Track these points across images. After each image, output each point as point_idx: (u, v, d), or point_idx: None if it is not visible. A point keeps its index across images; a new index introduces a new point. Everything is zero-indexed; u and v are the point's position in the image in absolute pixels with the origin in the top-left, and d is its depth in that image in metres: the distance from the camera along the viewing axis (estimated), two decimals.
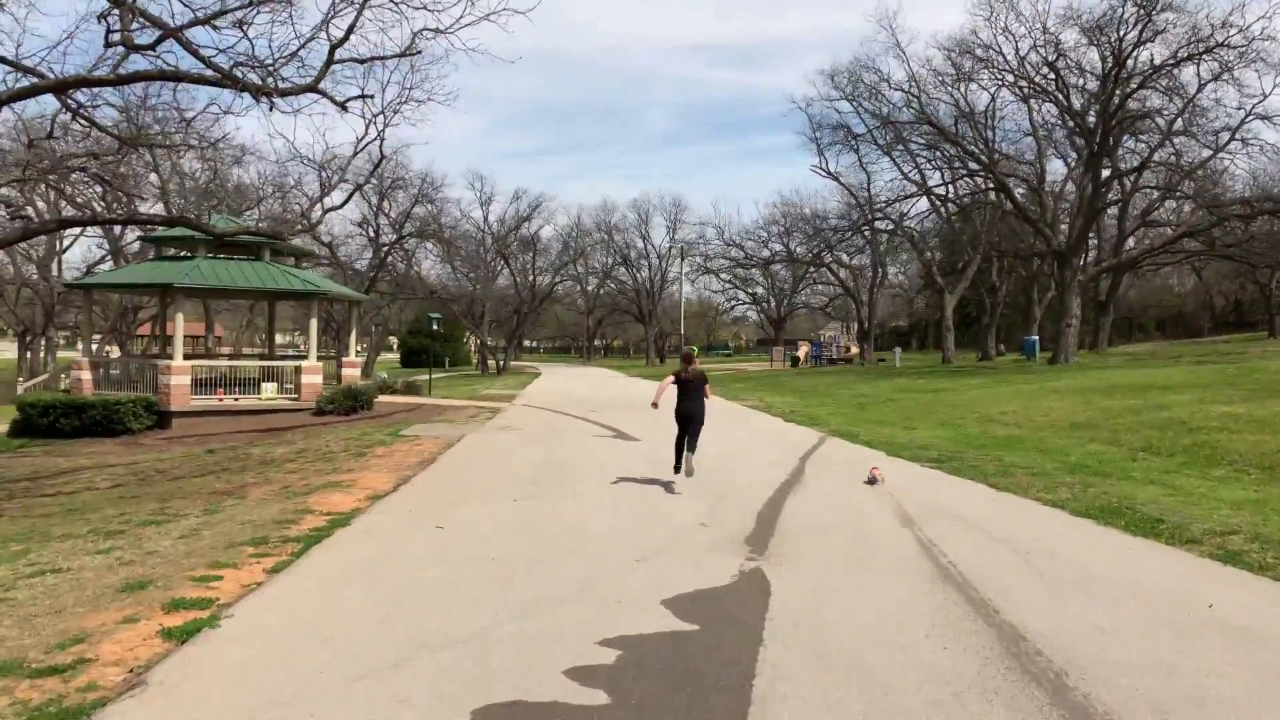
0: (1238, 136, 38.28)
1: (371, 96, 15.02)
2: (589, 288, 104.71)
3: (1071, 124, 41.64)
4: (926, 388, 31.61)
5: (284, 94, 13.79)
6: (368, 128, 43.97)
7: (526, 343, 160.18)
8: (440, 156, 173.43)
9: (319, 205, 29.62)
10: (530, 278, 74.34)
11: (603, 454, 15.34)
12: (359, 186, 45.89)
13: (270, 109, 13.97)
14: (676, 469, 12.35)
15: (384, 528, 9.17)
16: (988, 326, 57.42)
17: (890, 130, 48.55)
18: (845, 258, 66.74)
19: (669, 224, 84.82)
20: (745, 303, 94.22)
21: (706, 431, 13.04)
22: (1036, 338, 48.87)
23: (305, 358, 26.87)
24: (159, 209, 41.49)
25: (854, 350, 76.98)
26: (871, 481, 12.00)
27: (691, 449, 12.23)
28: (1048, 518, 9.56)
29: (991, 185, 44.92)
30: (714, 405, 14.93)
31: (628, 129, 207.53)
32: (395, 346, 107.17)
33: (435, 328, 32.12)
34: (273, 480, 13.87)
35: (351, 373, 29.89)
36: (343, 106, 14.55)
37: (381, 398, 29.11)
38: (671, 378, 12.92)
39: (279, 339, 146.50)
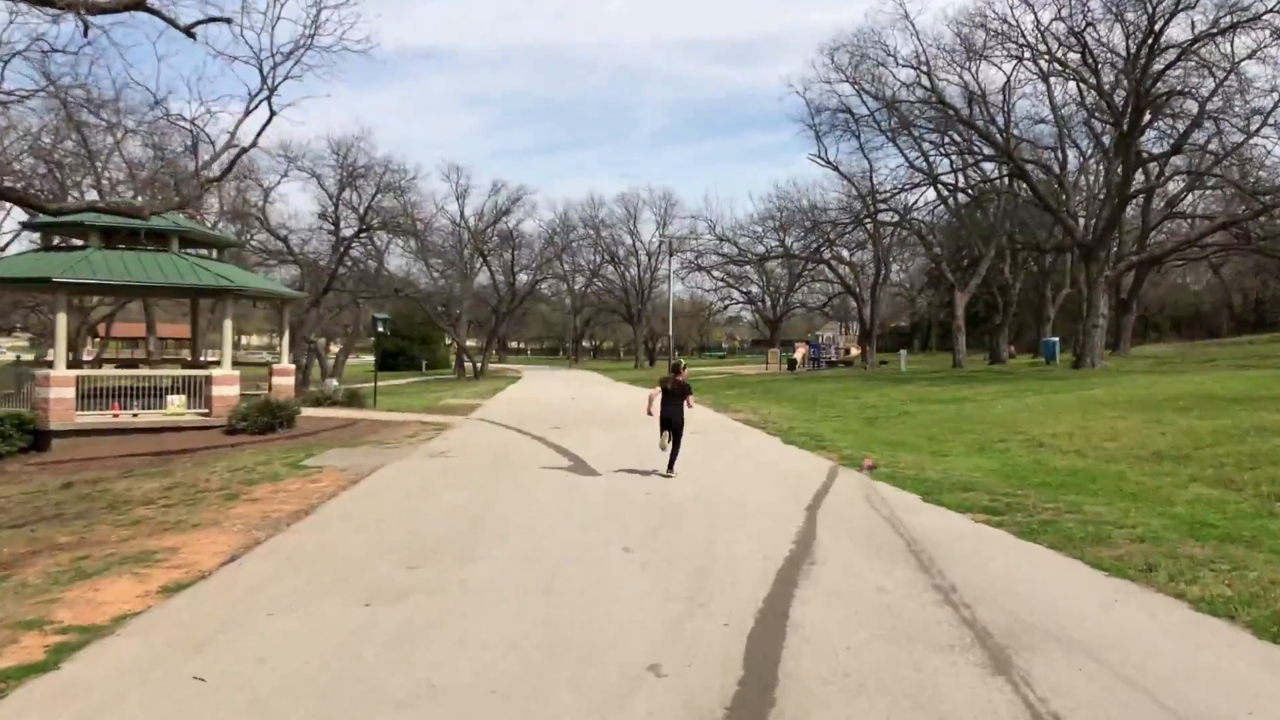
0: (1271, 121, 34.90)
1: (229, 20, 11.29)
2: (576, 286, 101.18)
3: (1099, 103, 38.10)
4: (944, 396, 28.02)
5: (98, 9, 10.16)
6: (263, 82, 39.91)
7: (512, 344, 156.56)
8: (432, 155, 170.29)
9: (202, 176, 25.54)
10: (510, 275, 70.57)
11: (545, 499, 11.69)
12: (300, 168, 42.21)
13: (85, 31, 10.33)
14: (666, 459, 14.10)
15: (98, 682, 5.45)
16: (999, 327, 53.88)
17: (895, 114, 45.01)
18: (845, 253, 63.18)
19: (659, 219, 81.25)
20: (739, 302, 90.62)
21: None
22: (1056, 339, 45.32)
23: (275, 363, 23.16)
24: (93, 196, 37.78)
25: (854, 352, 73.43)
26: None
27: (673, 451, 14.04)
28: (1222, 640, 5.93)
29: (1008, 172, 41.37)
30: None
31: (622, 127, 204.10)
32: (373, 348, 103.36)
33: (381, 330, 28.37)
34: (86, 542, 10.20)
35: (283, 382, 26.19)
36: (188, 32, 10.86)
37: (316, 411, 25.43)
38: (659, 386, 14.64)
39: (254, 340, 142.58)
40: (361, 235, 48.53)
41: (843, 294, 76.81)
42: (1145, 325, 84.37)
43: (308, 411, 25.18)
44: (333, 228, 48.16)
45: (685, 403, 14.29)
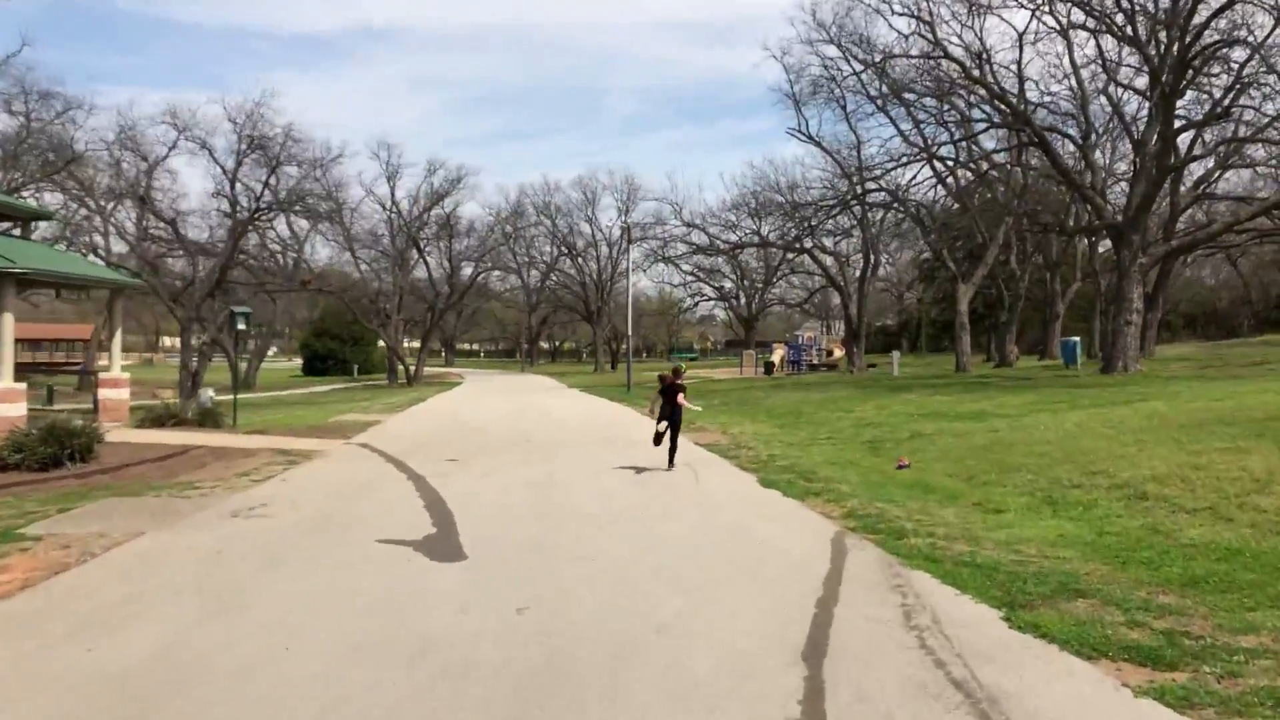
0: None
1: None
2: (531, 282, 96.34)
3: (1127, 60, 33.89)
4: (960, 410, 23.55)
5: None
6: None
7: (464, 345, 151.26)
8: (392, 141, 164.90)
9: None
10: (449, 267, 65.59)
11: (328, 636, 6.92)
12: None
13: None
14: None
15: None
16: (1006, 325, 49.69)
17: (887, 79, 40.59)
18: (829, 242, 58.74)
19: (620, 205, 76.46)
20: (711, 299, 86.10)
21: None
22: (1077, 339, 41.02)
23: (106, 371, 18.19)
24: None
25: (838, 354, 69.10)
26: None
27: (671, 448, 15.84)
28: None
29: (1025, 141, 37.03)
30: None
31: (592, 113, 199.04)
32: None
33: (242, 326, 23.44)
34: None
35: (114, 395, 21.24)
36: None
37: (150, 435, 20.47)
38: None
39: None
40: (261, 218, 43.38)
41: (825, 288, 72.55)
42: (1158, 324, 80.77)
43: (139, 435, 20.25)
44: (229, 210, 42.98)
45: (675, 401, 15.93)
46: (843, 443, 19.06)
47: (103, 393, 21.34)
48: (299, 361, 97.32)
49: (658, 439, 15.91)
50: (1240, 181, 50.62)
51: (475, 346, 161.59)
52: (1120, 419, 18.29)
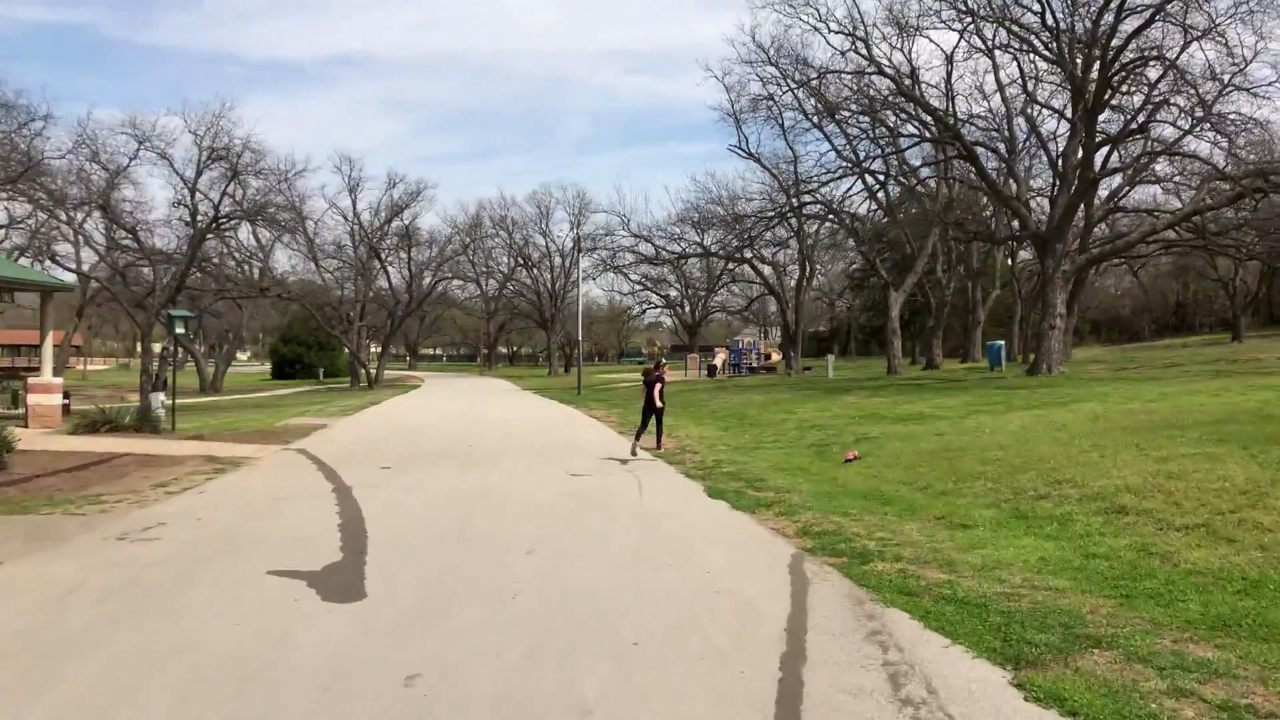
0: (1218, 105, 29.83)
1: None
2: (489, 291, 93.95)
3: (1048, 79, 32.61)
4: (900, 412, 21.93)
5: None
6: None
7: (427, 350, 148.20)
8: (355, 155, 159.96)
9: None
10: (409, 276, 63.10)
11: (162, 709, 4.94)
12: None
13: None
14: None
15: None
16: (933, 330, 48.40)
17: (822, 100, 39.07)
18: (767, 253, 57.18)
19: (573, 219, 74.37)
20: (657, 306, 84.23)
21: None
22: (1002, 343, 39.72)
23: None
24: None
25: (775, 358, 67.69)
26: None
27: (639, 432, 16.86)
28: None
29: (952, 155, 35.64)
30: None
31: (547, 135, 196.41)
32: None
33: (180, 330, 21.11)
34: None
35: (44, 401, 18.86)
36: None
37: (80, 442, 18.11)
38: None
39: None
40: (221, 227, 40.74)
41: (763, 296, 71.17)
42: (1071, 330, 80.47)
43: (66, 442, 17.90)
44: (189, 218, 40.28)
45: (654, 389, 16.93)
46: (789, 446, 17.27)
47: (32, 398, 18.96)
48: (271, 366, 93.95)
49: (635, 437, 16.76)
50: (1146, 197, 49.81)
51: (438, 351, 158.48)
52: (1063, 421, 16.71)
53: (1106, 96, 29.44)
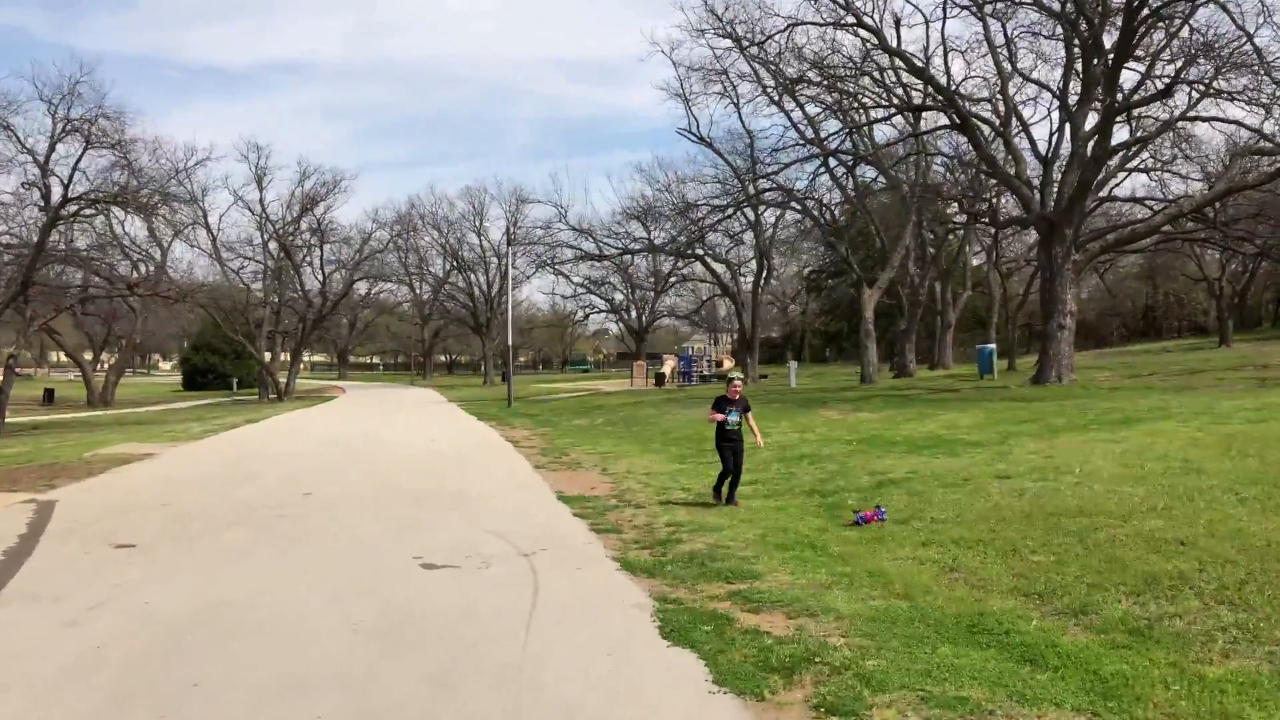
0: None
1: None
2: (423, 294, 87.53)
3: (1055, 30, 27.59)
4: (906, 434, 16.60)
5: None
6: None
7: (362, 359, 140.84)
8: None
9: None
10: (321, 277, 56.72)
11: None
12: None
13: None
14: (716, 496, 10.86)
15: None
16: (905, 333, 43.35)
17: (780, 77, 33.81)
18: (721, 250, 51.80)
19: (509, 216, 68.31)
20: (602, 310, 78.55)
21: None
22: (992, 346, 34.66)
23: None
24: None
25: (729, 365, 62.39)
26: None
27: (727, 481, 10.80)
28: None
29: (939, 126, 30.53)
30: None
31: (492, 142, 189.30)
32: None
33: None
34: None
35: None
36: None
37: None
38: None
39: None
40: (76, 211, 34.12)
41: (715, 297, 65.82)
42: (1029, 335, 76.57)
43: None
44: (42, 202, 33.68)
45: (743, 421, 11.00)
46: (775, 491, 11.69)
47: None
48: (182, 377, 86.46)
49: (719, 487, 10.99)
50: (1136, 186, 45.37)
51: (374, 360, 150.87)
52: (1163, 450, 11.50)
53: (1137, 39, 24.21)
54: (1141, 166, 37.81)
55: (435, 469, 15.30)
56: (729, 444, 10.75)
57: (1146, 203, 37.84)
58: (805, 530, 9.07)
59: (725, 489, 10.78)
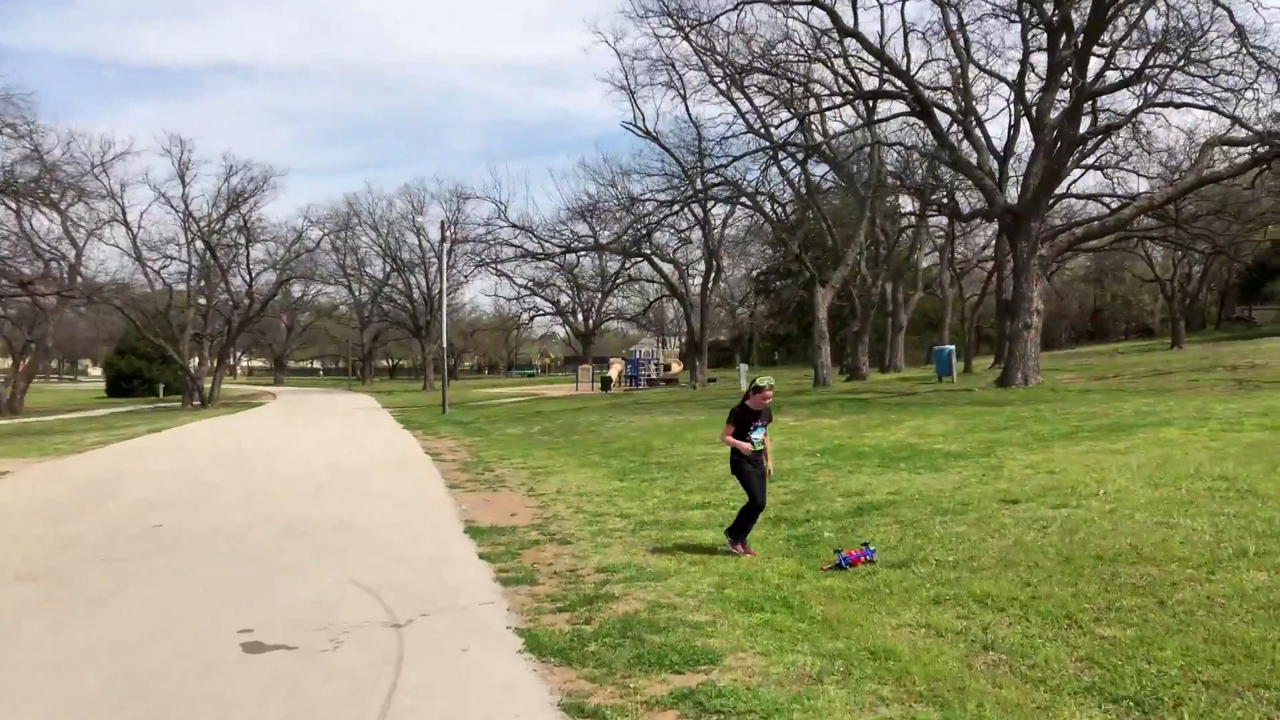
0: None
1: None
2: (362, 297, 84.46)
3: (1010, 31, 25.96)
4: (873, 444, 14.68)
5: None
6: None
7: (303, 363, 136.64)
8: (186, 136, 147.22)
9: None
10: (248, 278, 53.59)
11: None
12: None
13: None
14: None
15: None
16: (858, 335, 41.64)
17: (728, 66, 31.89)
18: (669, 250, 49.74)
19: (451, 216, 65.45)
20: (547, 313, 76.07)
21: None
22: (951, 347, 33.00)
23: None
24: None
25: (676, 368, 60.52)
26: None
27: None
28: None
29: (897, 114, 28.77)
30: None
31: (438, 146, 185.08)
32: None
33: None
34: None
35: None
36: None
37: None
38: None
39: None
40: None
41: (662, 298, 63.81)
42: (978, 336, 75.86)
43: None
44: None
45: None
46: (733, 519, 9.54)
47: None
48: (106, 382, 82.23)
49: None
50: (1095, 184, 44.09)
51: (315, 364, 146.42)
52: (1194, 465, 9.57)
53: (1111, 14, 22.52)
54: (1097, 164, 36.62)
55: (331, 490, 12.91)
56: (756, 467, 7.90)
57: (1105, 200, 36.64)
58: (774, 577, 6.92)
59: (741, 524, 7.86)
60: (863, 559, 7.14)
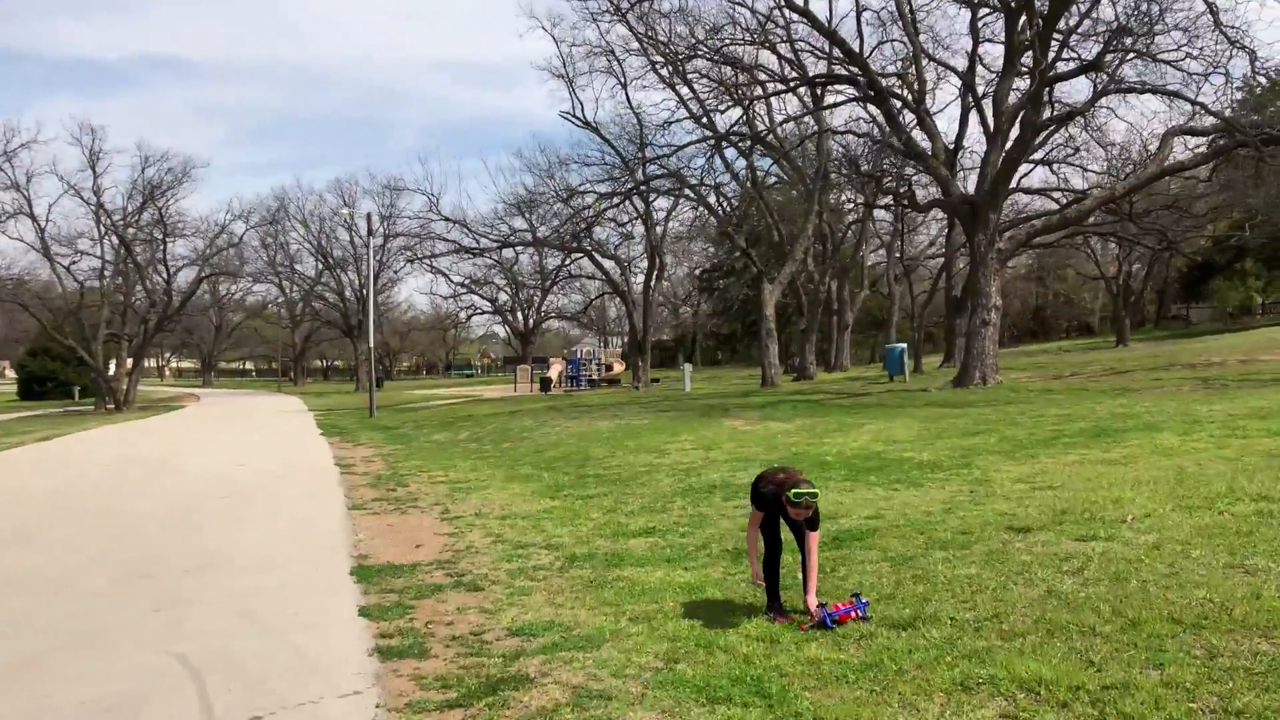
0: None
1: None
2: (293, 296, 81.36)
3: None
4: (835, 451, 13.19)
5: None
6: None
7: (234, 364, 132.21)
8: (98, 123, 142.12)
9: None
10: (166, 274, 50.60)
11: None
12: None
13: None
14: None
15: None
16: (806, 333, 40.32)
17: (668, 53, 30.34)
18: (611, 246, 48.00)
19: (382, 212, 62.82)
20: (485, 311, 73.76)
21: None
22: (904, 345, 31.74)
23: None
24: None
25: (619, 368, 58.75)
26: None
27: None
28: None
29: (849, 98, 27.38)
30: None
31: (376, 145, 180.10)
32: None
33: None
34: None
35: None
36: None
37: None
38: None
39: None
40: None
41: (604, 295, 62.10)
42: (925, 335, 75.43)
43: None
44: None
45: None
46: (683, 554, 7.78)
47: None
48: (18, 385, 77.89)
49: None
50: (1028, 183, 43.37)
51: (249, 366, 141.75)
52: (1202, 478, 8.11)
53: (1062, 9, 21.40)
54: (1046, 159, 35.78)
55: (208, 514, 10.93)
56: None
57: (1053, 195, 35.82)
58: (740, 643, 5.23)
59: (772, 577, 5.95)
60: (853, 614, 5.50)
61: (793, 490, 5.63)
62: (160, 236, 48.91)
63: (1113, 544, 6.32)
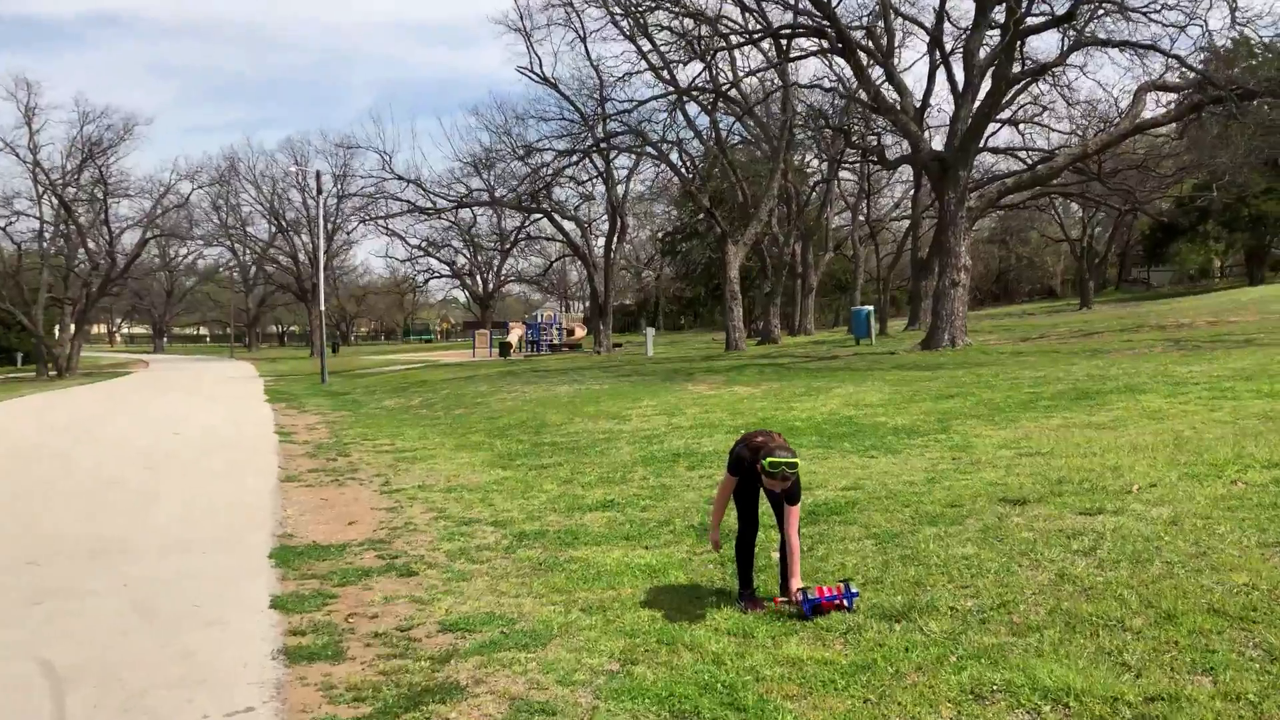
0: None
1: None
2: (246, 260, 79.33)
3: None
4: (805, 416, 12.51)
5: None
6: None
7: (188, 330, 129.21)
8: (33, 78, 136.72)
9: None
10: (109, 235, 48.74)
11: None
12: None
13: None
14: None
15: None
16: (770, 296, 39.62)
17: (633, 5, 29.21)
18: (571, 207, 46.88)
19: (336, 173, 60.90)
20: (442, 275, 72.28)
21: None
22: (870, 308, 31.15)
23: None
24: None
25: (580, 333, 57.89)
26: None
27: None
28: None
29: (814, 49, 26.51)
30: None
31: (331, 106, 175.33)
32: None
33: None
34: None
35: None
36: None
37: None
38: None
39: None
40: None
41: (565, 258, 61.06)
42: (890, 299, 75.29)
43: None
44: None
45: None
46: (643, 531, 7.01)
47: None
48: None
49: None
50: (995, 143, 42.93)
51: (203, 331, 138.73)
52: (1205, 444, 7.52)
53: None
54: (1012, 118, 35.23)
55: (121, 490, 10.00)
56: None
57: (1019, 154, 35.33)
58: (708, 638, 4.51)
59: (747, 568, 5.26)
60: (837, 604, 4.79)
61: (767, 459, 4.88)
62: (101, 196, 47.03)
63: (1123, 518, 5.66)
